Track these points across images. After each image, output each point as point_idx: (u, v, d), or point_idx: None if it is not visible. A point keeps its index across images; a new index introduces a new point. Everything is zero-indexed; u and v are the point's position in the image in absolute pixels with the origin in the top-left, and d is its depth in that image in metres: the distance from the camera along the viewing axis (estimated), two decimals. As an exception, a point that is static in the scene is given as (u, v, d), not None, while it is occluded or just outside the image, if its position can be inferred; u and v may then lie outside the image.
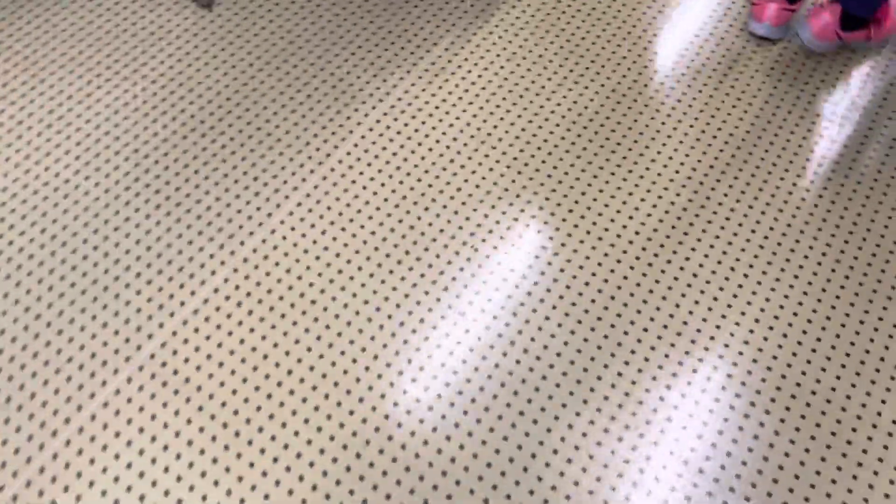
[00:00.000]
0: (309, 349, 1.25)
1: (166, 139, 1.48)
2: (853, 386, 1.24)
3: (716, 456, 1.17)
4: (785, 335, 1.29)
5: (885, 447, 1.18)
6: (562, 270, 1.35)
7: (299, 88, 1.57)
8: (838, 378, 1.25)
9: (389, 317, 1.29)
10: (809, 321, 1.30)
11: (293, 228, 1.38)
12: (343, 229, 1.38)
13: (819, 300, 1.33)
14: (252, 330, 1.26)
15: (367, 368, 1.23)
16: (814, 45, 1.65)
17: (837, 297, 1.33)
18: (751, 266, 1.36)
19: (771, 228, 1.41)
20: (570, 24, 1.70)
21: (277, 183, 1.44)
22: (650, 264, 1.36)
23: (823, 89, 1.60)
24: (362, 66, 1.61)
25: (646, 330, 1.29)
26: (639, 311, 1.31)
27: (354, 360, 1.24)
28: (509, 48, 1.66)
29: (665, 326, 1.29)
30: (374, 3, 1.72)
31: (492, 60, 1.63)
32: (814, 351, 1.27)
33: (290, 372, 1.22)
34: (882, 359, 1.27)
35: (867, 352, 1.27)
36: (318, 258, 1.35)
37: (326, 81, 1.58)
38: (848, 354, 1.27)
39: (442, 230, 1.39)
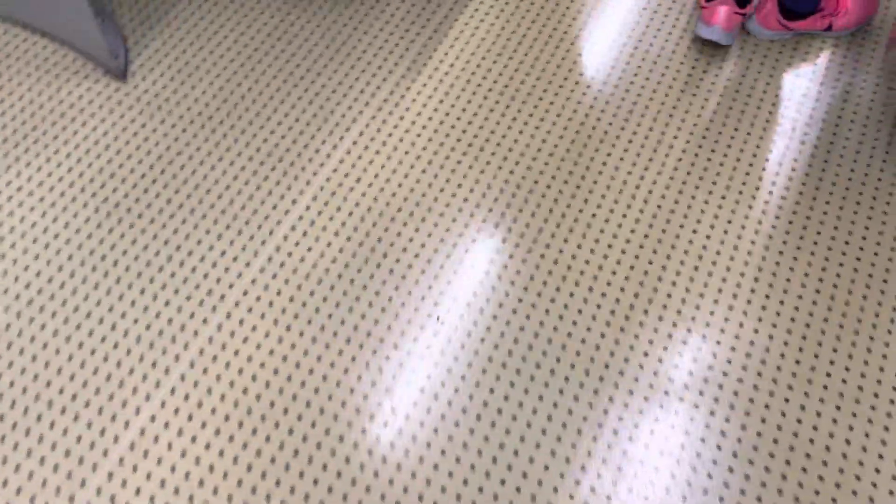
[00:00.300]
0: (273, 460, 1.14)
1: (90, 235, 1.35)
2: (835, 422, 1.18)
3: (717, 523, 1.10)
4: (741, 366, 1.22)
5: (891, 492, 1.13)
6: (508, 322, 1.26)
7: (232, 160, 1.45)
8: (833, 420, 1.19)
9: (359, 396, 1.18)
10: (790, 358, 1.24)
11: (241, 322, 1.27)
12: (296, 315, 1.28)
13: (804, 335, 1.27)
14: (208, 446, 1.15)
15: (347, 460, 1.13)
16: (761, 33, 1.61)
17: (823, 331, 1.27)
18: (720, 292, 1.29)
19: (746, 263, 1.34)
20: (512, 59, 1.61)
21: (219, 272, 1.32)
22: (599, 305, 1.28)
23: (780, 104, 1.54)
24: (297, 128, 1.50)
25: (601, 379, 1.21)
26: (592, 360, 1.23)
27: (333, 453, 1.14)
28: (452, 92, 1.56)
29: (621, 373, 1.22)
30: (301, 57, 1.61)
31: (435, 107, 1.54)
32: (809, 394, 1.21)
33: (264, 475, 1.11)
34: (876, 394, 1.21)
35: (860, 388, 1.22)
36: (272, 352, 1.24)
37: (260, 149, 1.47)
38: (842, 394, 1.21)
39: (403, 303, 1.29)
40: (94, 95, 1.52)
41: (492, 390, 1.21)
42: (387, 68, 1.59)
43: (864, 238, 1.37)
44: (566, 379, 1.22)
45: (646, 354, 1.24)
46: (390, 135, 1.49)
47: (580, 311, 1.28)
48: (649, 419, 1.19)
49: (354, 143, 1.48)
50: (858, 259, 1.34)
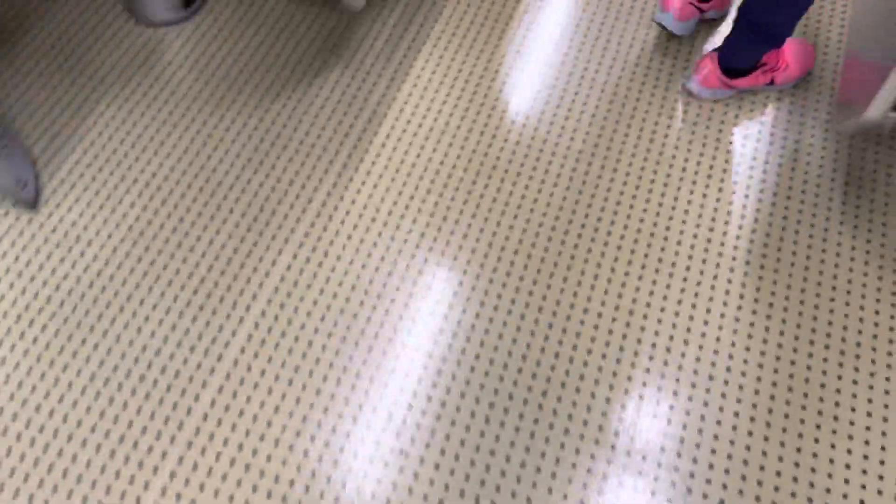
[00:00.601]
0: None
1: (17, 386, 1.22)
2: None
3: None
4: (723, 427, 1.17)
5: None
6: (496, 392, 1.18)
7: (163, 290, 1.34)
8: (811, 469, 1.14)
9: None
10: (778, 415, 1.19)
11: (188, 482, 1.16)
12: (255, 451, 1.17)
13: (789, 387, 1.22)
14: None
15: None
16: (703, 92, 1.57)
17: (806, 394, 1.22)
18: (701, 349, 1.24)
19: (722, 315, 1.29)
20: (456, 136, 1.54)
21: (158, 424, 1.21)
22: (582, 377, 1.21)
23: (731, 168, 1.50)
24: (232, 244, 1.39)
25: (556, 443, 1.14)
26: (584, 430, 1.16)
27: None
28: (398, 176, 1.48)
29: (568, 431, 1.15)
30: (230, 162, 1.50)
31: (385, 190, 1.45)
32: (793, 448, 1.16)
33: None
34: (849, 450, 1.17)
35: (832, 446, 1.17)
36: (232, 494, 1.13)
37: (193, 274, 1.36)
38: (816, 454, 1.16)
39: (375, 408, 1.20)
40: (4, 231, 1.39)
41: (430, 441, 1.12)
42: (325, 161, 1.50)
43: (831, 309, 1.33)
44: (546, 440, 1.14)
45: (634, 425, 1.18)
46: (342, 223, 1.40)
47: (567, 374, 1.21)
48: (628, 487, 1.13)
49: (300, 246, 1.38)
50: (830, 325, 1.30)
